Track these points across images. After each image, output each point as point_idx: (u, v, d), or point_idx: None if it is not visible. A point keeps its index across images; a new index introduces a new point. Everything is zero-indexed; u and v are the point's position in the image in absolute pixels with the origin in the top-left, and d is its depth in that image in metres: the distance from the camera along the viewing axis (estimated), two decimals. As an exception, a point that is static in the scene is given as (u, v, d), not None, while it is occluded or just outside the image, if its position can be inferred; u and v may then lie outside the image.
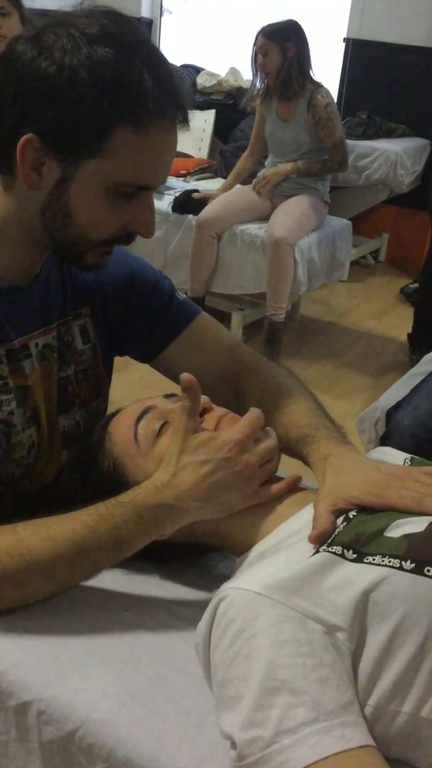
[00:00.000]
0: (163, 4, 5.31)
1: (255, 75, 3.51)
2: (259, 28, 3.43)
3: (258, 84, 3.52)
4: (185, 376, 0.94)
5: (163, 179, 0.94)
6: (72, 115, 0.85)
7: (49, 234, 0.94)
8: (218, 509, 0.94)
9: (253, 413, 0.98)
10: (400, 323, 3.87)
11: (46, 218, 0.93)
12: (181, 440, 0.93)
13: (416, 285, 4.15)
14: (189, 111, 0.92)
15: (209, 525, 0.97)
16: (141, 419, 1.01)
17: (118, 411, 1.08)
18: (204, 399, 1.00)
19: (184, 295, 1.21)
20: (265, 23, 3.43)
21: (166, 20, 5.39)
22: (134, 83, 0.85)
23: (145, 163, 0.90)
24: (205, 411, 1.00)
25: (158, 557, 1.04)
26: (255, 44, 3.41)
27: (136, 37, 0.88)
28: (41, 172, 0.89)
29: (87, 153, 0.87)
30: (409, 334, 3.47)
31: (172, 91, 0.89)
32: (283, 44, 3.36)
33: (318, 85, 3.44)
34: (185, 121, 0.91)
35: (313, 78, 3.44)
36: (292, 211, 3.37)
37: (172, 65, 0.93)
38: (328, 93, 3.42)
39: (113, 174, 0.88)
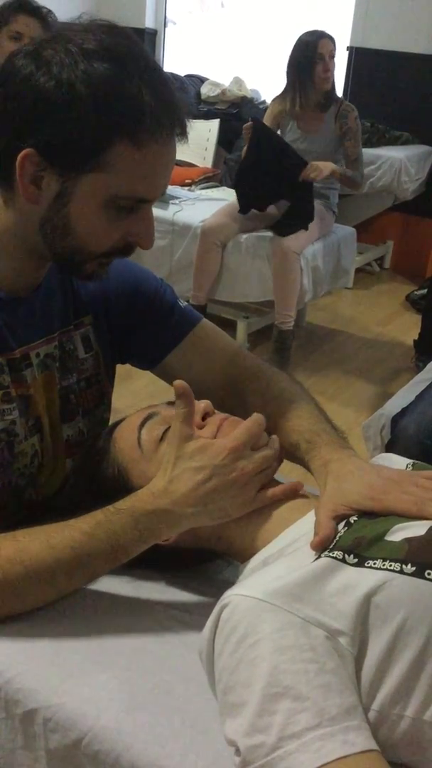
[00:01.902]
0: (168, 15, 5.34)
1: (299, 82, 3.41)
2: (300, 33, 3.39)
3: (294, 94, 3.47)
4: (178, 383, 0.95)
5: (162, 192, 0.95)
6: (70, 130, 0.86)
7: (48, 246, 0.95)
8: (216, 515, 0.94)
9: (252, 420, 0.98)
10: (405, 330, 3.87)
11: (46, 231, 0.94)
12: (176, 447, 0.94)
13: (422, 292, 4.16)
14: (188, 123, 0.92)
15: (212, 530, 0.98)
16: (144, 425, 1.03)
17: (122, 420, 1.09)
18: (206, 403, 1.02)
19: (186, 303, 1.22)
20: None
21: (170, 31, 5.43)
22: (132, 98, 0.86)
23: (144, 177, 0.90)
24: (206, 415, 1.01)
25: (164, 565, 1.04)
26: (318, 47, 3.33)
27: (133, 51, 0.88)
28: (40, 186, 0.90)
29: (86, 167, 0.88)
30: (415, 341, 3.47)
31: (171, 104, 0.89)
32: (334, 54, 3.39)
33: (342, 99, 3.49)
34: (183, 134, 0.92)
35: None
36: (299, 221, 3.38)
37: (170, 77, 0.93)
38: (355, 108, 3.45)
39: (112, 188, 0.89)
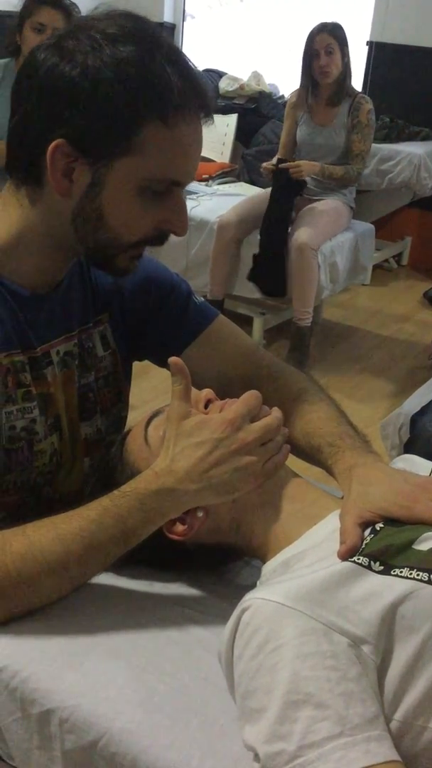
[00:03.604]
0: (186, 8, 5.32)
1: (306, 76, 3.43)
2: (312, 27, 3.36)
3: (304, 88, 3.47)
4: (173, 359, 0.95)
5: (192, 175, 0.94)
6: (100, 115, 0.85)
7: (80, 240, 0.94)
8: (222, 490, 0.92)
9: (249, 393, 0.97)
10: (423, 327, 3.84)
11: (78, 224, 0.93)
12: (175, 425, 0.93)
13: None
14: (211, 103, 0.92)
15: (231, 519, 0.97)
16: (150, 423, 1.03)
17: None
18: (207, 391, 1.01)
19: (202, 299, 1.20)
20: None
21: (188, 25, 5.41)
22: (159, 78, 0.85)
23: (175, 157, 0.90)
24: (209, 402, 1.00)
25: (182, 565, 1.03)
26: (314, 43, 3.34)
27: (155, 34, 0.88)
28: (72, 178, 0.90)
29: (118, 152, 0.87)
30: (433, 339, 3.45)
31: (196, 84, 0.89)
32: (343, 47, 3.35)
33: (359, 92, 3.46)
34: (209, 114, 0.92)
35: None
36: (317, 216, 3.36)
37: (192, 64, 0.93)
38: (370, 101, 3.42)
39: (145, 171, 0.89)
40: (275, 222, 3.33)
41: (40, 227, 0.95)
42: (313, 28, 3.37)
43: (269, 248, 3.33)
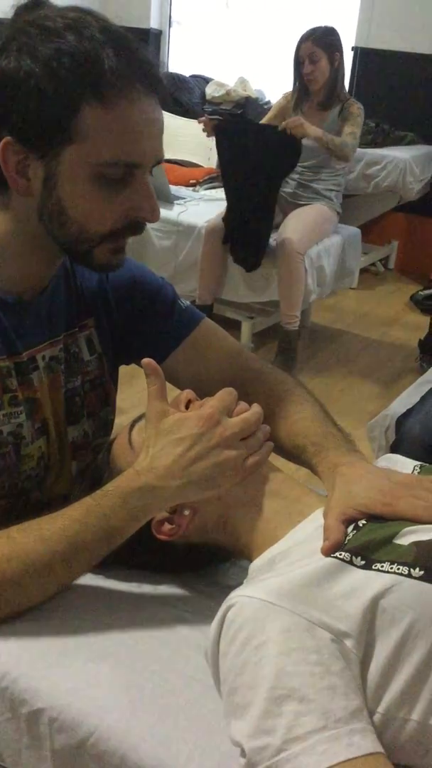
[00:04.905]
0: (172, 15, 5.34)
1: (296, 82, 3.47)
2: (301, 34, 3.39)
3: (296, 92, 3.49)
4: (146, 361, 0.97)
5: (150, 155, 0.91)
6: (37, 106, 0.85)
7: (52, 237, 0.95)
8: (203, 486, 0.93)
9: (224, 390, 0.98)
10: (410, 330, 3.87)
11: (45, 221, 0.93)
12: (154, 424, 0.95)
13: (427, 292, 4.16)
14: (161, 80, 0.90)
15: (218, 517, 0.97)
16: (133, 427, 1.04)
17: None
18: (187, 392, 1.03)
19: (188, 302, 1.21)
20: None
21: (175, 31, 5.43)
22: (91, 60, 0.85)
23: (122, 138, 0.88)
24: (189, 403, 1.02)
25: (171, 566, 1.04)
26: (300, 50, 3.37)
27: (93, 20, 0.88)
28: (28, 176, 0.90)
29: (61, 141, 0.87)
30: (420, 341, 3.47)
31: (134, 60, 0.88)
32: (332, 54, 3.36)
33: (349, 96, 3.49)
34: (157, 90, 0.90)
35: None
36: (304, 220, 3.38)
37: (138, 41, 0.91)
38: (361, 105, 3.45)
39: (93, 156, 0.88)
40: (241, 182, 3.29)
41: (15, 231, 0.96)
42: (303, 34, 3.40)
43: (239, 213, 3.31)
